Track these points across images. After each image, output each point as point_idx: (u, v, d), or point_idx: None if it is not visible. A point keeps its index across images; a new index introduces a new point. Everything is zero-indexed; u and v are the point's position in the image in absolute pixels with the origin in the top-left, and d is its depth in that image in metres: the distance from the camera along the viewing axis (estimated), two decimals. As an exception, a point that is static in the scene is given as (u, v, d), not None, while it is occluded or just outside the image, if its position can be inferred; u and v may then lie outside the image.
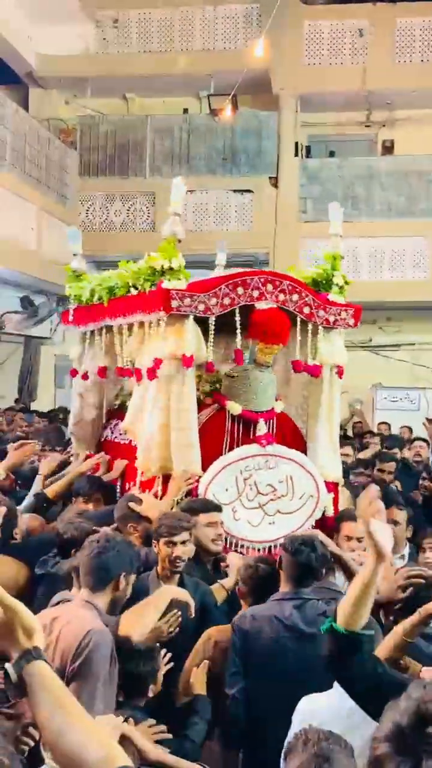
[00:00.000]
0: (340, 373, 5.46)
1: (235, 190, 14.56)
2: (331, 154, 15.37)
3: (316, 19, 14.78)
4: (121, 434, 5.91)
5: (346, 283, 5.53)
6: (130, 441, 5.66)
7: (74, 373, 6.45)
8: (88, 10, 14.87)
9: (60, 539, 4.40)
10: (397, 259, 14.19)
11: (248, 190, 14.56)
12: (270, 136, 14.64)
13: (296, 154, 14.75)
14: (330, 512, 5.30)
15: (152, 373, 4.93)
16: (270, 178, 14.55)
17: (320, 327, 5.30)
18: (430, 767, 1.00)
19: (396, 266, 14.18)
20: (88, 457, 6.11)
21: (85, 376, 6.17)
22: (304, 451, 5.36)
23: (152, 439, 4.98)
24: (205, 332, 4.99)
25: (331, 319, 5.37)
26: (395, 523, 5.60)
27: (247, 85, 13.84)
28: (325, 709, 2.89)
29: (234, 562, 4.38)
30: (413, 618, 2.95)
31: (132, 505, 4.69)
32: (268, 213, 14.39)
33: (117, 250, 14.19)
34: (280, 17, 13.40)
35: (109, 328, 5.80)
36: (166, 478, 4.98)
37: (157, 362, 4.86)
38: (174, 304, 4.84)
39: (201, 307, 4.89)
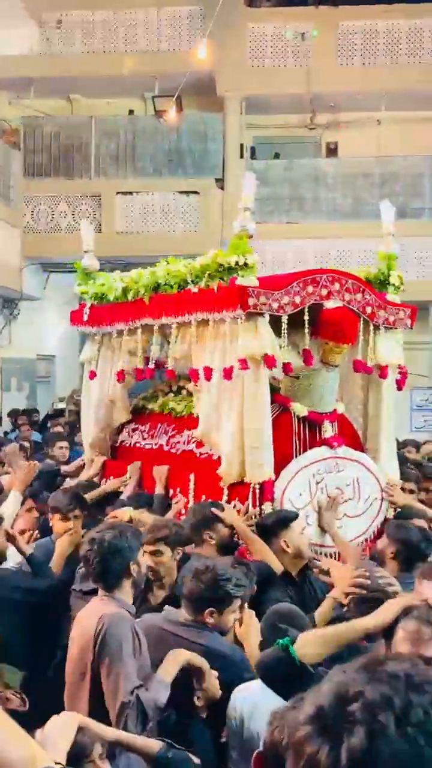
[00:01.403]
0: (402, 375, 5.37)
1: (181, 192, 14.44)
2: (277, 156, 15.35)
3: (260, 21, 14.74)
4: (144, 440, 5.76)
5: (402, 283, 5.46)
6: (160, 446, 5.58)
7: (93, 375, 6.13)
8: (32, 11, 14.60)
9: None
10: (344, 260, 14.18)
11: (194, 192, 14.45)
12: (216, 138, 14.56)
13: (241, 156, 14.69)
14: (391, 515, 5.17)
15: (229, 374, 4.75)
16: (216, 179, 14.47)
17: (381, 327, 5.20)
18: (352, 744, 0.98)
19: (342, 267, 14.14)
20: (107, 463, 5.94)
21: (121, 378, 5.86)
22: (362, 452, 5.26)
23: (232, 445, 4.79)
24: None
25: (391, 319, 5.25)
26: None
27: (192, 86, 13.71)
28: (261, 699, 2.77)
29: (339, 573, 3.65)
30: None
31: (215, 510, 4.47)
32: (214, 214, 14.27)
33: (63, 253, 13.92)
34: (223, 20, 13.33)
35: (148, 327, 5.53)
36: (233, 485, 4.81)
37: (243, 363, 4.63)
38: (251, 302, 4.64)
39: (275, 305, 4.70)
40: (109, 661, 3.15)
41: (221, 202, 14.34)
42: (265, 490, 4.69)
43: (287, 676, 2.61)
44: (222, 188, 14.51)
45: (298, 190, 14.32)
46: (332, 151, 15.73)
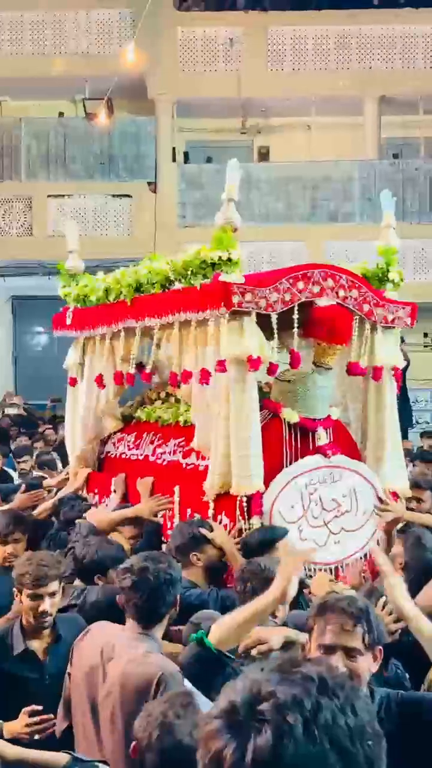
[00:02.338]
0: (397, 377, 4.95)
1: (114, 195, 14.35)
2: (209, 159, 15.33)
3: (190, 26, 14.73)
4: (130, 450, 5.40)
5: (402, 279, 5.01)
6: (146, 457, 5.19)
7: (73, 382, 5.76)
8: None
9: (79, 563, 3.91)
10: (276, 263, 14.18)
11: (127, 195, 14.33)
12: (148, 142, 14.49)
13: (174, 160, 14.61)
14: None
15: (206, 377, 4.34)
16: (149, 183, 14.35)
17: (378, 326, 4.77)
18: (259, 743, 0.99)
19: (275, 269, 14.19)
20: (92, 475, 5.55)
21: (101, 384, 5.43)
22: (359, 460, 4.82)
23: (216, 454, 4.40)
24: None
25: (389, 317, 4.82)
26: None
27: (123, 89, 13.66)
28: None
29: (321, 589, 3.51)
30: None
31: (204, 531, 4.05)
32: (147, 218, 14.15)
33: None
34: (153, 23, 13.38)
35: (131, 330, 5.13)
36: (219, 498, 4.41)
37: (221, 364, 4.25)
38: (235, 299, 4.25)
39: (262, 303, 4.32)
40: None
41: (154, 205, 14.22)
42: (253, 503, 4.30)
43: (207, 669, 2.55)
44: (155, 192, 14.37)
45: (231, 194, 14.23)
46: (264, 155, 15.86)
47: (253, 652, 2.68)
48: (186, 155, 15.38)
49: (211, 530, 4.10)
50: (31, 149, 14.36)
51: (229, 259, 4.35)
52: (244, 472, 4.30)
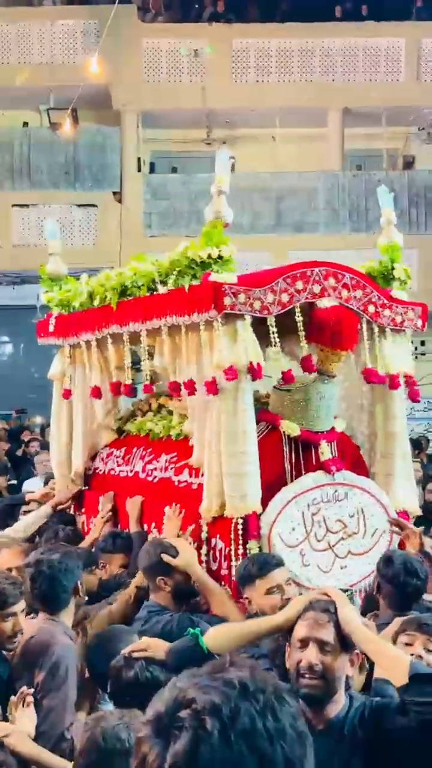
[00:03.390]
0: (411, 385, 4.39)
1: (79, 205, 14.24)
2: (174, 170, 15.34)
3: (154, 37, 14.72)
4: (119, 466, 5.01)
5: (409, 277, 4.52)
6: (135, 474, 4.81)
7: (68, 394, 5.31)
8: None
9: None
10: (240, 272, 14.09)
11: (92, 205, 14.21)
12: (113, 152, 14.40)
13: (139, 170, 14.52)
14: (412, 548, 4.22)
15: (213, 387, 3.88)
16: (114, 193, 14.24)
17: (387, 329, 4.29)
18: (176, 748, 1.02)
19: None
20: (83, 494, 5.24)
21: (98, 395, 5.01)
22: (366, 476, 4.36)
23: (210, 472, 4.00)
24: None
25: (398, 319, 4.33)
26: None
27: (88, 100, 13.56)
28: None
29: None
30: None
31: (166, 557, 3.70)
32: (112, 228, 14.02)
33: None
34: (117, 34, 13.37)
35: (118, 337, 4.70)
36: (214, 520, 4.01)
37: (232, 371, 3.79)
38: (227, 301, 3.81)
39: (257, 305, 3.87)
40: (50, 697, 3.19)
41: (119, 215, 14.08)
42: (250, 526, 3.86)
43: (192, 664, 2.41)
44: (120, 202, 14.24)
45: (196, 204, 14.17)
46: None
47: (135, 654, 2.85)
48: (152, 165, 15.29)
49: (176, 555, 3.72)
50: None
51: (220, 257, 3.94)
52: (238, 492, 3.87)
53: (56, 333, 5.38)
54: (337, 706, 2.44)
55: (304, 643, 2.46)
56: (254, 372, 3.84)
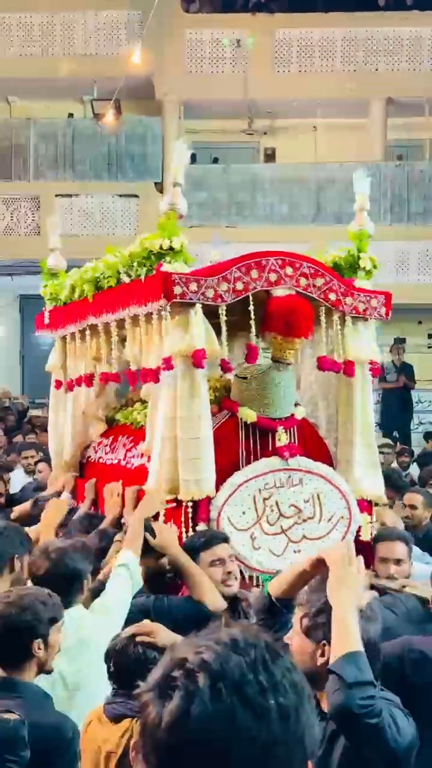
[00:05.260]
0: (374, 372, 4.53)
1: (120, 195, 14.24)
2: (215, 160, 15.27)
3: (197, 28, 14.67)
4: (106, 454, 5.09)
5: (374, 266, 4.55)
6: (118, 461, 4.87)
7: (59, 384, 5.44)
8: None
9: None
10: (281, 264, 13.92)
11: (134, 195, 14.19)
12: (155, 142, 14.43)
13: (180, 160, 14.25)
14: (366, 536, 4.32)
15: (155, 375, 4.02)
16: (155, 183, 14.20)
17: (348, 317, 4.34)
18: (170, 706, 1.04)
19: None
20: (77, 482, 5.23)
21: (76, 384, 5.19)
22: (330, 464, 4.44)
23: (160, 457, 4.06)
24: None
25: (361, 307, 4.38)
26: (413, 507, 5.65)
27: (131, 90, 13.59)
28: None
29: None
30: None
31: (147, 536, 3.69)
32: (153, 218, 13.70)
33: (1, 254, 13.85)
34: (161, 25, 13.45)
35: (95, 327, 4.82)
36: (175, 503, 4.07)
37: (168, 361, 3.89)
38: (177, 290, 3.89)
39: (210, 293, 3.95)
40: None
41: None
42: (200, 509, 3.99)
43: (261, 608, 2.82)
44: (162, 192, 14.02)
45: (236, 195, 14.17)
46: (270, 156, 15.88)
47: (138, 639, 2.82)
48: (192, 156, 14.98)
49: (153, 536, 3.70)
50: (39, 149, 14.21)
51: (171, 248, 3.97)
52: (193, 477, 3.96)
53: (49, 325, 5.52)
54: None
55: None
56: (197, 358, 3.89)
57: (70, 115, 15.18)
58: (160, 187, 14.21)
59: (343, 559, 2.45)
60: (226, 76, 14.45)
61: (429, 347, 15.02)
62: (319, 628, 2.39)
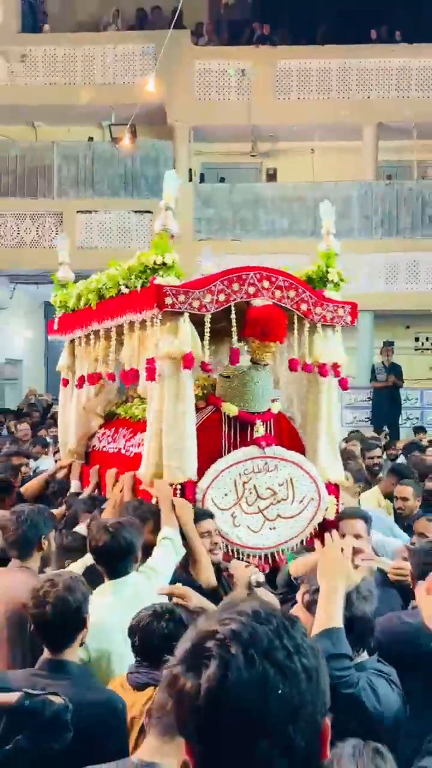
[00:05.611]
0: (336, 372, 4.83)
1: (136, 211, 14.73)
2: (222, 180, 15.87)
3: (205, 58, 15.27)
4: (108, 444, 5.43)
5: (341, 280, 4.94)
6: (119, 450, 5.21)
7: (66, 383, 5.85)
8: None
9: None
10: (281, 274, 14.58)
11: (148, 211, 14.69)
12: (167, 163, 14.87)
13: (190, 180, 15.05)
14: (332, 515, 4.63)
15: (151, 374, 4.25)
16: (167, 201, 14.67)
17: (318, 324, 4.66)
18: (208, 674, 1.07)
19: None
20: (83, 469, 5.58)
21: (81, 384, 5.50)
22: (302, 452, 4.76)
23: (149, 446, 4.37)
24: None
25: (329, 316, 4.69)
26: (404, 499, 5.87)
27: (145, 116, 14.18)
28: None
29: (240, 573, 3.77)
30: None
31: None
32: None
33: (27, 266, 14.46)
34: (172, 57, 13.87)
35: (98, 333, 5.10)
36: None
37: (150, 362, 4.22)
38: (168, 301, 4.17)
39: (196, 304, 4.24)
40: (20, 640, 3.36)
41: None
42: (187, 491, 4.29)
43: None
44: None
45: (240, 211, 14.70)
46: (271, 176, 16.31)
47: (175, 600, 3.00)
48: (201, 176, 15.82)
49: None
50: (62, 170, 14.83)
51: (164, 263, 4.29)
52: (177, 463, 4.26)
53: (60, 330, 5.85)
54: None
55: None
56: (186, 361, 4.18)
57: (90, 138, 15.82)
58: (171, 204, 14.89)
59: (333, 546, 2.60)
60: (232, 103, 15.04)
61: (416, 350, 15.51)
62: (317, 603, 2.53)
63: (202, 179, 15.80)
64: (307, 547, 4.30)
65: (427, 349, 15.82)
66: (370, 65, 15.01)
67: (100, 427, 5.70)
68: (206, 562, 3.88)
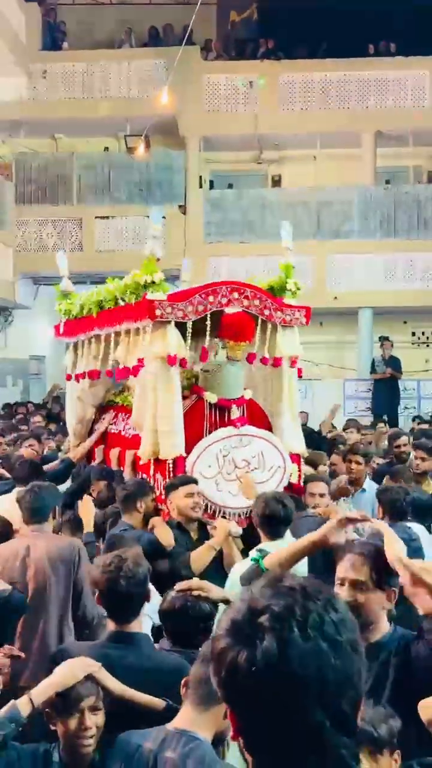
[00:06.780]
0: (293, 363, 5.49)
1: (150, 217, 14.59)
2: (230, 186, 16.19)
3: (214, 73, 15.55)
4: (111, 426, 6.14)
5: (298, 288, 5.58)
6: (119, 431, 5.92)
7: (69, 377, 6.52)
8: (21, 63, 15.33)
9: None
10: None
11: (161, 217, 14.67)
12: (179, 171, 15.04)
13: (200, 186, 15.23)
14: (295, 480, 5.33)
15: (136, 371, 5.07)
16: (179, 206, 14.99)
17: (279, 326, 5.34)
18: (265, 648, 1.07)
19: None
20: (94, 447, 6.23)
21: (78, 378, 6.26)
22: (270, 429, 5.40)
23: (146, 429, 5.04)
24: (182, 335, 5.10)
25: (288, 318, 5.39)
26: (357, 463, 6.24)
27: (158, 127, 14.53)
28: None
29: (221, 524, 4.44)
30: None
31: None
32: (178, 236, 14.64)
33: (50, 268, 14.39)
34: (183, 71, 14.19)
35: (98, 337, 5.83)
36: (156, 462, 5.07)
37: (140, 361, 4.99)
38: (158, 312, 4.89)
39: (180, 313, 4.95)
40: (85, 584, 3.74)
41: (184, 225, 14.70)
42: (178, 465, 4.96)
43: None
44: (184, 213, 14.87)
45: (248, 216, 14.76)
46: (277, 182, 16.54)
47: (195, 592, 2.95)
48: (211, 183, 15.94)
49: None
50: (81, 178, 15.13)
51: (153, 282, 4.95)
52: (168, 442, 4.94)
53: (64, 334, 6.55)
54: (377, 633, 2.50)
55: (342, 582, 2.52)
56: (171, 360, 4.89)
57: (107, 148, 16.17)
58: (183, 209, 15.04)
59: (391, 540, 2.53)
60: (239, 114, 15.25)
61: (413, 344, 15.70)
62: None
63: (211, 186, 15.99)
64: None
65: (423, 343, 15.92)
66: (368, 77, 15.19)
67: (104, 413, 6.36)
68: (204, 555, 4.30)
